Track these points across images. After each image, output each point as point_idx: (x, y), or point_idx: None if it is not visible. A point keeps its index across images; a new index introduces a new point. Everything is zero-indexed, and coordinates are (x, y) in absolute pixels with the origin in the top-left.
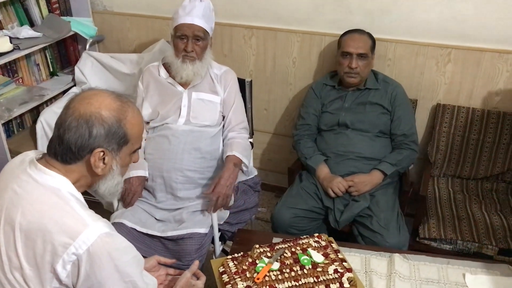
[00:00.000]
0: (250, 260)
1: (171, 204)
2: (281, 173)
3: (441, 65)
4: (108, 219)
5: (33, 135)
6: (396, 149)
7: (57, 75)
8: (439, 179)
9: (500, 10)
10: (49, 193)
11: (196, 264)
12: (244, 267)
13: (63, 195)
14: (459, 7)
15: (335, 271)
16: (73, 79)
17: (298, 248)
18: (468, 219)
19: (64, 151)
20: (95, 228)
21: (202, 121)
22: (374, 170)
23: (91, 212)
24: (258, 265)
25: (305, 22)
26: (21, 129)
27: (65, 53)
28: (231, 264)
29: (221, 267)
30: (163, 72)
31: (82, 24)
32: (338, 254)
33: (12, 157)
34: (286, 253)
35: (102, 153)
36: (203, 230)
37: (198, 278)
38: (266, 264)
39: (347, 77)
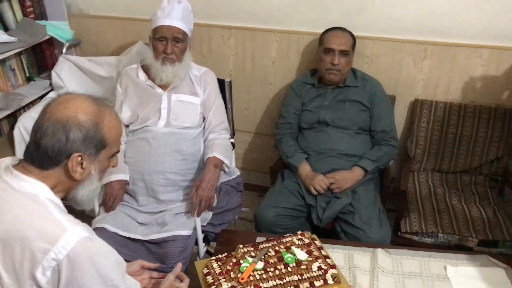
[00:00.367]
0: (234, 260)
1: (153, 207)
2: (264, 172)
3: (418, 61)
4: (90, 224)
5: (11, 142)
6: (376, 146)
7: (34, 80)
8: (419, 173)
9: (474, 6)
10: (26, 199)
11: (179, 266)
12: (228, 267)
13: (41, 201)
14: (434, 3)
15: (319, 268)
16: (50, 84)
17: (282, 246)
18: (448, 212)
19: (41, 157)
20: (75, 232)
21: (183, 123)
22: (355, 167)
23: (70, 217)
24: (242, 265)
25: (283, 21)
26: None
27: (41, 58)
28: (215, 265)
29: (205, 268)
30: (141, 74)
31: (58, 28)
32: (321, 251)
33: None
34: (270, 252)
35: (79, 158)
36: (186, 232)
37: (181, 281)
38: (250, 264)
39: (329, 74)
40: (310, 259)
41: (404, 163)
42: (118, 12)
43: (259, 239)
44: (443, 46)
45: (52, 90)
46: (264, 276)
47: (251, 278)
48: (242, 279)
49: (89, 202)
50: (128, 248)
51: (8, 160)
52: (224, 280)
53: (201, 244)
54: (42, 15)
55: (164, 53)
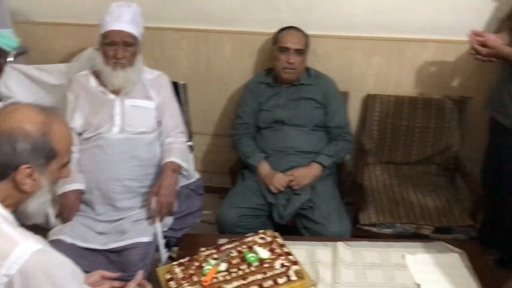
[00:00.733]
0: (196, 264)
1: (111, 216)
2: (225, 174)
3: (368, 57)
4: (46, 237)
5: None
6: (332, 141)
7: None
8: (374, 166)
9: (418, 1)
10: None
11: (140, 274)
12: (191, 271)
13: None
14: (380, 0)
15: (282, 265)
16: None
17: (244, 246)
18: (404, 202)
19: None
20: (27, 246)
21: (138, 128)
22: (313, 163)
23: (22, 230)
24: (205, 268)
25: (235, 22)
26: None
27: None
28: (177, 270)
29: (168, 274)
30: (92, 81)
31: (2, 36)
32: (283, 248)
33: None
34: (233, 253)
35: (28, 170)
36: (146, 238)
37: None
38: (213, 266)
39: (285, 72)
40: (273, 257)
41: (359, 157)
42: (65, 18)
43: (221, 241)
44: (391, 41)
45: (0, 101)
46: (227, 277)
47: (215, 280)
48: (206, 282)
49: (40, 215)
50: (87, 259)
51: None
52: (187, 284)
53: (163, 250)
54: None
55: (115, 58)
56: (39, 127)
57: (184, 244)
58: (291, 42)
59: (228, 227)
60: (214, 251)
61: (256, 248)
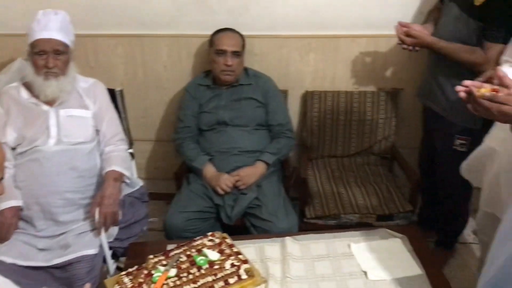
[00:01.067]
0: (145, 272)
1: (53, 231)
2: (169, 179)
3: (303, 55)
4: None
5: None
6: (274, 139)
7: None
8: (317, 161)
9: None
10: None
11: (86, 287)
12: (140, 280)
13: None
14: None
15: (232, 265)
16: None
17: (193, 250)
18: (347, 193)
19: None
20: None
21: (75, 139)
22: (258, 162)
23: None
24: (154, 275)
25: (170, 25)
26: None
27: None
28: (126, 280)
29: (116, 285)
30: (24, 92)
31: None
32: (232, 248)
33: None
34: (182, 258)
35: None
36: (92, 251)
37: None
38: (163, 273)
39: (224, 75)
40: (223, 258)
41: (302, 153)
42: None
43: (170, 247)
44: (324, 38)
45: None
46: (178, 282)
47: (165, 287)
48: None
49: None
50: (30, 277)
51: None
52: None
53: (110, 261)
54: None
55: (46, 67)
56: None
57: (131, 253)
58: (228, 44)
59: (176, 232)
60: (162, 257)
61: (205, 250)
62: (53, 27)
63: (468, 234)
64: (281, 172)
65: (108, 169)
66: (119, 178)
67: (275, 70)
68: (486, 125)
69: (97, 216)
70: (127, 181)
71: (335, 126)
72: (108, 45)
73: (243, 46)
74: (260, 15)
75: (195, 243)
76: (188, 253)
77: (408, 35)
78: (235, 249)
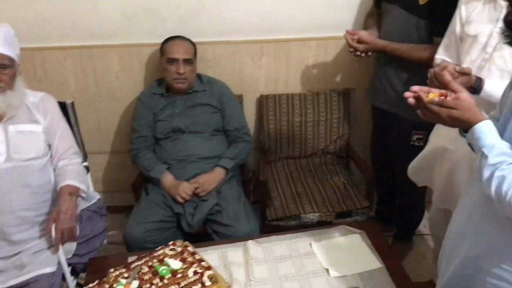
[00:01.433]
0: (107, 286)
1: (7, 251)
2: (127, 191)
3: (256, 59)
4: None
5: None
6: (232, 144)
7: None
8: (275, 163)
9: (295, 3)
10: None
11: None
12: None
13: None
14: (260, 4)
15: (195, 272)
16: None
17: (155, 260)
18: (306, 193)
19: None
20: None
21: (26, 155)
22: (216, 167)
23: None
24: None
25: (119, 35)
26: None
27: None
28: None
29: None
30: None
31: None
32: (195, 256)
33: None
34: (144, 269)
35: None
36: (49, 269)
37: None
38: (125, 286)
39: (176, 83)
40: (185, 266)
41: (260, 156)
42: None
43: (131, 259)
44: (276, 42)
45: None
46: None
47: None
48: None
49: None
50: None
51: None
52: None
53: (69, 278)
54: None
55: None
56: None
57: (91, 268)
58: (179, 52)
59: (136, 244)
60: (124, 270)
61: (167, 260)
62: None
63: (424, 225)
64: (240, 176)
65: (62, 184)
66: (75, 192)
67: (228, 75)
68: None
69: (53, 232)
70: (83, 195)
71: (291, 128)
72: (56, 58)
73: (195, 53)
74: (211, 21)
75: (156, 253)
76: (150, 264)
77: (360, 41)
78: (197, 257)
